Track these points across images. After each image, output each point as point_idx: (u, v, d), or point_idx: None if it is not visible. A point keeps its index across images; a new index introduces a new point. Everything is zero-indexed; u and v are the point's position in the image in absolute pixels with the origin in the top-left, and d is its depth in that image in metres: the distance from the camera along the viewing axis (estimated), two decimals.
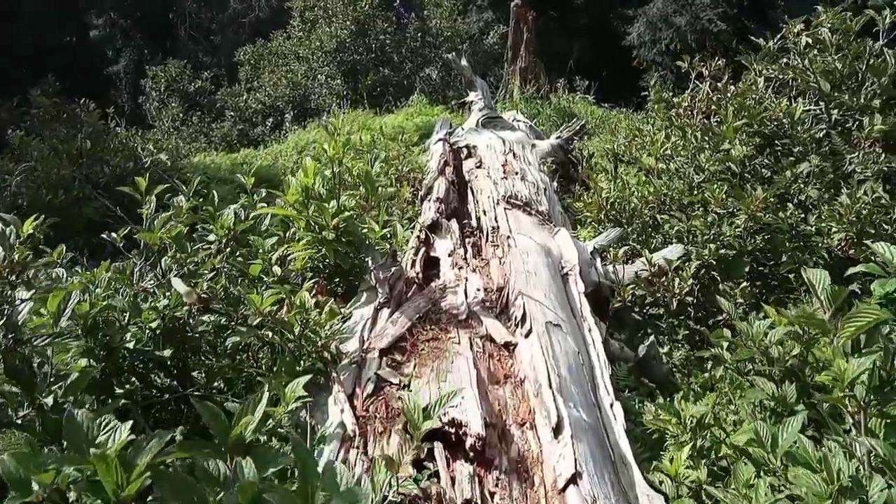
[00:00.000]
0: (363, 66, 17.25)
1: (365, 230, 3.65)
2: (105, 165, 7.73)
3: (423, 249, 4.82)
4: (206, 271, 3.08)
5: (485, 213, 4.92)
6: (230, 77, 23.62)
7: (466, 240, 4.96)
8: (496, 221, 4.66)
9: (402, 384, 2.70)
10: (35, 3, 24.86)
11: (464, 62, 7.56)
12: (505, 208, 4.90)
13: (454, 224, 5.20)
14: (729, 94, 5.21)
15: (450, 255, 4.74)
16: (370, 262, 3.43)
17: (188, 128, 17.14)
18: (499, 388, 2.75)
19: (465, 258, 4.62)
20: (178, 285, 2.73)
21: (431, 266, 4.84)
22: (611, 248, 4.67)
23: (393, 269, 3.25)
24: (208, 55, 35.57)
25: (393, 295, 3.29)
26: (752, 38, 5.93)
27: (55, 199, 7.22)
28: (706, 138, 5.15)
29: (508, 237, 4.22)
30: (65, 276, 2.87)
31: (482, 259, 4.38)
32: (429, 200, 6.13)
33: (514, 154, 6.55)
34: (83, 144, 7.88)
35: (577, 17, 27.48)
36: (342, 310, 3.29)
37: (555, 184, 6.21)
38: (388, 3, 17.81)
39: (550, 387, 2.57)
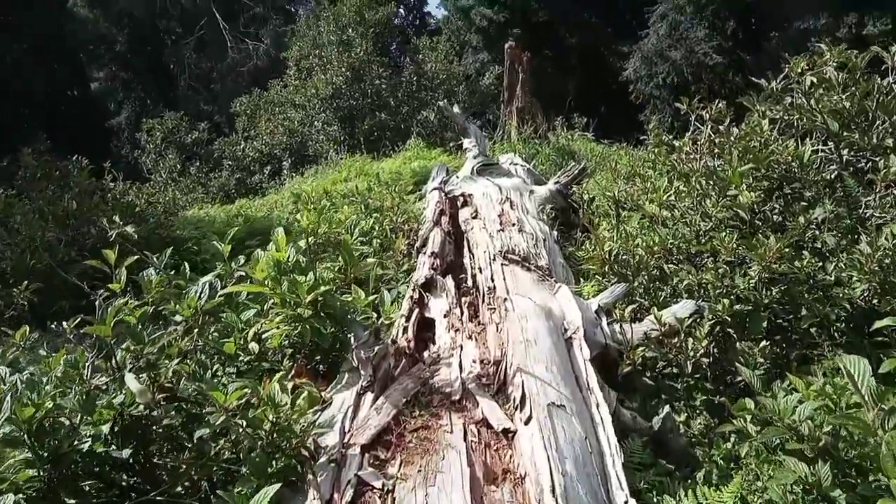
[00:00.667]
0: (359, 112, 17.24)
1: (349, 299, 3.36)
2: (92, 227, 7.52)
3: (416, 311, 4.53)
4: (170, 358, 2.78)
5: (481, 269, 4.64)
6: (230, 125, 23.75)
7: (463, 298, 4.67)
8: (493, 280, 4.38)
9: (385, 488, 2.38)
10: (35, 58, 25.15)
11: (456, 109, 7.35)
12: (502, 264, 4.62)
13: (449, 282, 4.93)
14: (732, 138, 4.96)
15: (445, 317, 4.45)
16: (353, 339, 3.13)
17: (186, 179, 17.07)
18: (496, 490, 2.42)
19: (461, 320, 4.32)
20: (132, 383, 2.44)
21: (426, 327, 4.55)
22: (616, 306, 4.36)
23: (376, 347, 2.95)
24: (209, 104, 36.04)
25: (377, 376, 2.99)
26: (748, 70, 5.74)
27: (39, 263, 6.99)
28: (710, 183, 4.90)
29: (506, 299, 3.93)
30: (6, 373, 2.57)
31: (478, 323, 4.09)
32: (424, 253, 5.87)
33: (510, 203, 6.30)
34: (69, 205, 7.68)
35: (572, 55, 27.73)
36: (323, 393, 2.98)
37: (555, 232, 5.94)
38: (382, 48, 17.89)
39: (554, 493, 2.24)
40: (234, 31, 33.50)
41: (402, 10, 32.93)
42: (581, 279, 5.41)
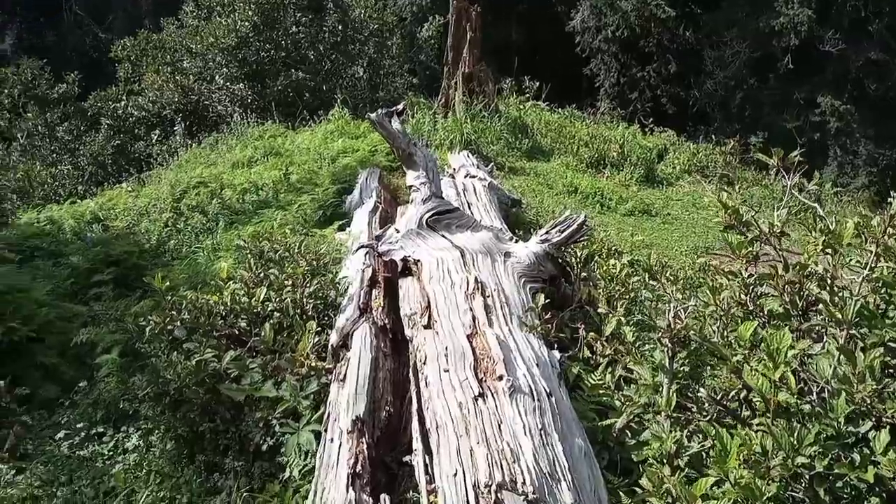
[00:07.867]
0: (272, 67, 14.15)
1: None
2: None
3: None
4: None
5: None
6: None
7: None
8: None
9: None
10: None
11: (396, 125, 4.88)
12: None
13: None
14: None
15: None
16: None
17: (51, 144, 13.62)
18: None
19: None
20: None
21: None
22: None
23: None
24: (107, 32, 31.34)
25: None
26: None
27: None
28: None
29: None
30: None
31: None
32: (338, 400, 3.52)
33: (481, 289, 3.96)
34: None
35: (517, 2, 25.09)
36: None
37: (556, 354, 3.65)
38: None
39: None
40: None
41: None
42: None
